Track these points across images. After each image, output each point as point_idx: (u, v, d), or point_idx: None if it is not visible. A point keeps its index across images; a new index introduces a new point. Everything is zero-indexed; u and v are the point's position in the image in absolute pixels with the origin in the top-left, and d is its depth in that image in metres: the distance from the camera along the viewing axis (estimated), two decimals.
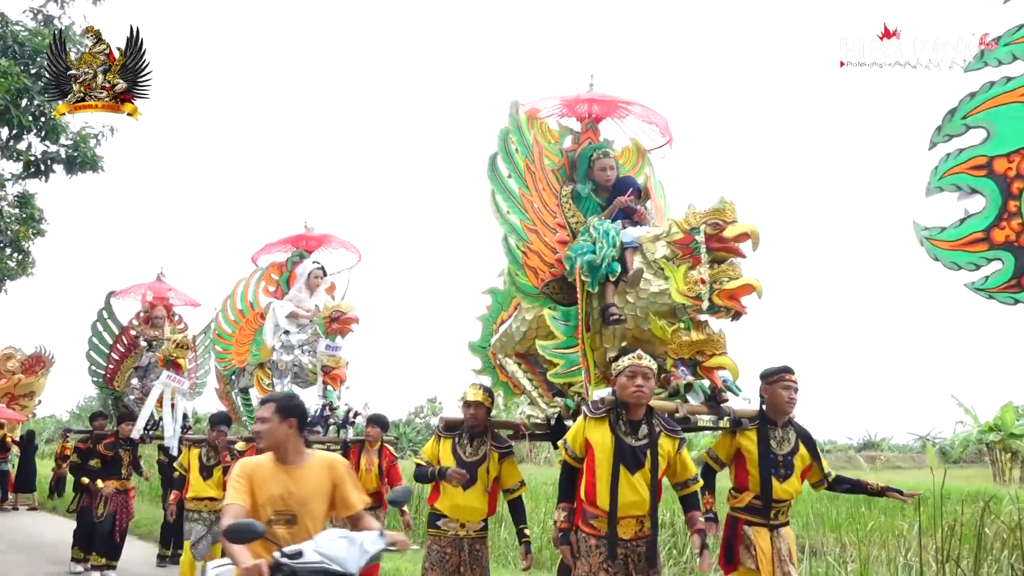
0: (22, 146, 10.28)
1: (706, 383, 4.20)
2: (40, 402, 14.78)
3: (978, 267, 3.39)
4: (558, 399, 4.79)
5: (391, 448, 6.51)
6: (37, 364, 14.14)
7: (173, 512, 6.85)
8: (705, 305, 4.04)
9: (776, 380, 4.04)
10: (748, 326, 4.31)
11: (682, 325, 4.28)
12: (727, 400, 4.23)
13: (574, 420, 4.48)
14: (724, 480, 4.26)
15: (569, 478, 3.83)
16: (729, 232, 4.05)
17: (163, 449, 8.70)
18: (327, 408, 6.93)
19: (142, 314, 9.60)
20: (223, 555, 7.16)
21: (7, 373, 13.83)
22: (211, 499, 6.49)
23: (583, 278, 4.37)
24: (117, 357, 9.53)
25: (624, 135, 5.38)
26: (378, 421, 6.40)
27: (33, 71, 9.44)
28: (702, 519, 3.77)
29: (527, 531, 4.62)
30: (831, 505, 11.13)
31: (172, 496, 6.90)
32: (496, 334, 5.39)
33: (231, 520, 2.72)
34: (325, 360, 7.07)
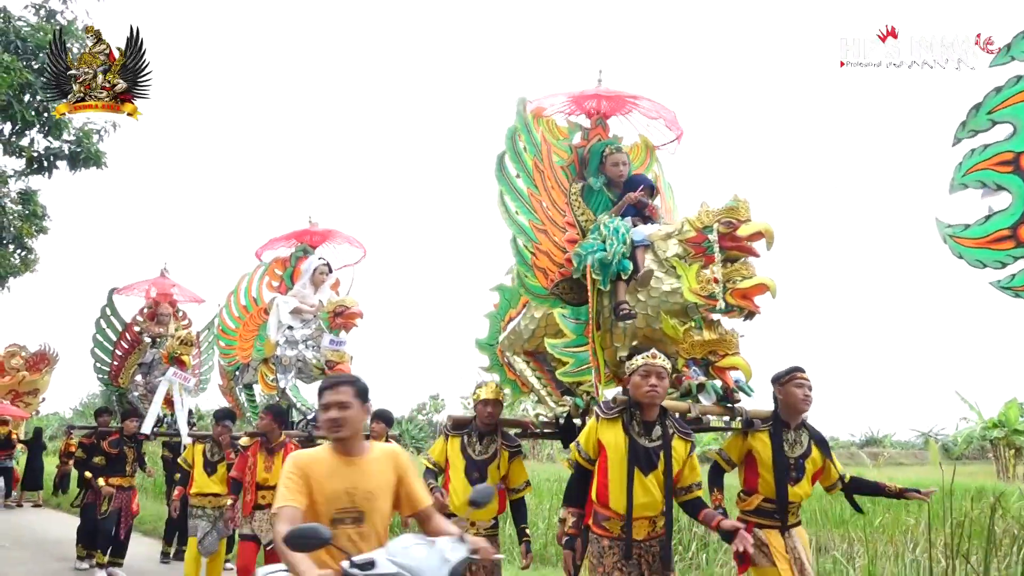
0: (25, 142, 10.25)
1: (718, 383, 4.15)
2: (44, 399, 14.79)
3: (1004, 265, 3.33)
4: (567, 398, 4.76)
5: (397, 444, 6.47)
6: (41, 361, 14.15)
7: (177, 508, 6.84)
8: (720, 305, 4.00)
9: (788, 380, 3.99)
10: (752, 325, 4.27)
11: (693, 324, 4.24)
12: (739, 401, 4.19)
13: (583, 419, 4.45)
14: (730, 479, 4.21)
15: (581, 481, 3.74)
16: (743, 231, 4.01)
17: (167, 445, 8.69)
18: None
19: (146, 311, 9.56)
20: (228, 553, 7.25)
21: (11, 370, 13.84)
22: (215, 495, 6.48)
23: (594, 276, 4.33)
24: (121, 354, 9.49)
25: (633, 131, 5.34)
26: (382, 416, 6.37)
27: (36, 66, 9.40)
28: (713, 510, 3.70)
29: (528, 530, 4.61)
30: (834, 502, 11.10)
31: (176, 492, 6.88)
32: (504, 332, 5.36)
33: (287, 525, 2.38)
34: (329, 355, 7.05)
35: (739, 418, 4.13)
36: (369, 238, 8.91)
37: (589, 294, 4.39)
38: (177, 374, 7.96)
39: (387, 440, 6.28)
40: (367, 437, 6.35)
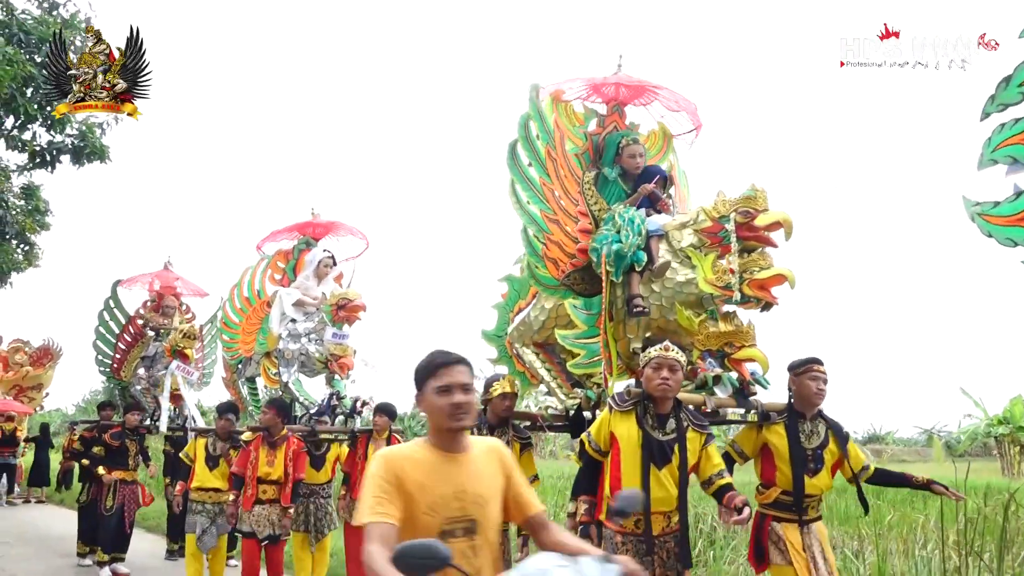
0: (27, 136, 10.20)
1: (734, 375, 4.08)
2: (48, 394, 14.77)
3: None
4: (578, 390, 4.69)
5: (400, 437, 6.39)
6: (45, 356, 14.12)
7: (179, 503, 6.77)
8: (737, 296, 3.92)
9: (804, 371, 3.92)
10: (762, 318, 4.20)
11: (707, 315, 4.16)
12: (755, 393, 4.12)
13: (594, 412, 4.38)
14: (740, 474, 4.12)
15: (590, 472, 3.70)
16: (760, 221, 3.93)
17: (169, 440, 8.63)
18: (335, 397, 6.84)
19: (150, 303, 9.50)
20: (231, 550, 7.17)
21: (15, 366, 13.81)
22: (216, 490, 6.35)
23: (608, 267, 4.25)
24: (124, 347, 9.44)
25: (651, 119, 5.24)
26: (386, 410, 6.30)
27: (39, 59, 9.34)
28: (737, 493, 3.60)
29: None
30: (841, 499, 11.02)
31: (178, 487, 6.83)
32: (513, 323, 5.29)
33: (382, 546, 1.85)
34: (332, 349, 6.97)
35: (753, 411, 4.06)
36: (372, 228, 8.82)
37: (603, 285, 4.31)
38: (180, 367, 7.90)
39: (389, 435, 6.20)
40: (368, 431, 6.35)
